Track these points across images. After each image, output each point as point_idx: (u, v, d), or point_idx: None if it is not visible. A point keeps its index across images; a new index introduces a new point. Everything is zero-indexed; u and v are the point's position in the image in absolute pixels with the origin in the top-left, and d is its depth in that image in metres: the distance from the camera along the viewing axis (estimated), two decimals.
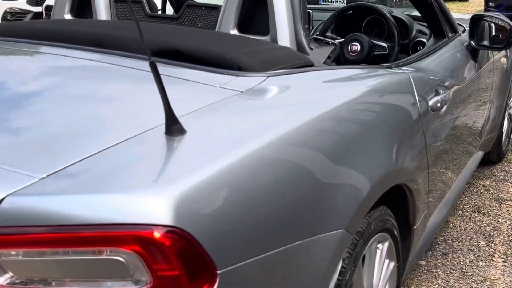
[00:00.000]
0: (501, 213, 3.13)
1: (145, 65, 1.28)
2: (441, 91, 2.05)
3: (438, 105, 1.96)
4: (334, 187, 1.35)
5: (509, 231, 2.94)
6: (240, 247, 1.09)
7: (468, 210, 3.18)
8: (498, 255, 2.69)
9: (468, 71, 2.53)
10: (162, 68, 1.19)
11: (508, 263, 2.63)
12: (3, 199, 0.98)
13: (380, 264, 1.71)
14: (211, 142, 1.19)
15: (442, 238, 2.86)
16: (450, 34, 2.64)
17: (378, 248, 1.68)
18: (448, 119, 2.14)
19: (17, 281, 1.00)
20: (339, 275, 1.38)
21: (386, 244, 1.72)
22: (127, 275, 0.99)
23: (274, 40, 1.87)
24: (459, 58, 2.50)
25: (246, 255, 1.10)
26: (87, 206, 0.97)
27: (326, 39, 2.11)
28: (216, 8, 2.03)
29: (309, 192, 1.27)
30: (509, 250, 2.75)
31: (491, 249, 2.75)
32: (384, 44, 2.73)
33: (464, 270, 2.56)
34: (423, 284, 2.46)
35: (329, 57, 2.06)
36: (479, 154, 3.30)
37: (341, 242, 1.34)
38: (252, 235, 1.11)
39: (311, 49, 1.94)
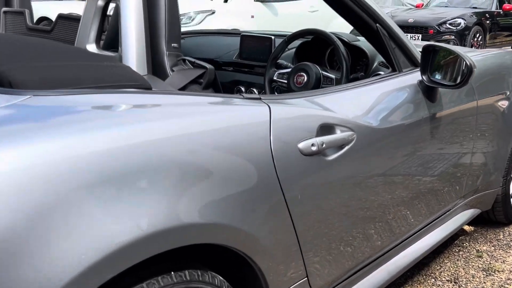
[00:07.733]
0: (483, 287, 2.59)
1: None
2: (332, 132, 1.66)
3: (314, 148, 1.56)
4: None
5: None
6: None
7: (443, 278, 2.66)
8: None
9: (414, 111, 2.09)
10: None
11: None
12: None
13: None
14: None
15: None
16: (405, 69, 2.22)
17: None
18: (348, 168, 1.73)
19: None
20: None
21: None
22: None
23: (121, 57, 1.60)
24: (397, 96, 2.07)
25: None
26: None
27: (197, 61, 1.79)
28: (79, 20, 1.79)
29: None
30: None
31: None
32: (333, 76, 2.36)
33: None
34: None
35: (199, 83, 1.74)
36: (469, 212, 2.79)
37: None
38: None
39: (173, 71, 1.64)
